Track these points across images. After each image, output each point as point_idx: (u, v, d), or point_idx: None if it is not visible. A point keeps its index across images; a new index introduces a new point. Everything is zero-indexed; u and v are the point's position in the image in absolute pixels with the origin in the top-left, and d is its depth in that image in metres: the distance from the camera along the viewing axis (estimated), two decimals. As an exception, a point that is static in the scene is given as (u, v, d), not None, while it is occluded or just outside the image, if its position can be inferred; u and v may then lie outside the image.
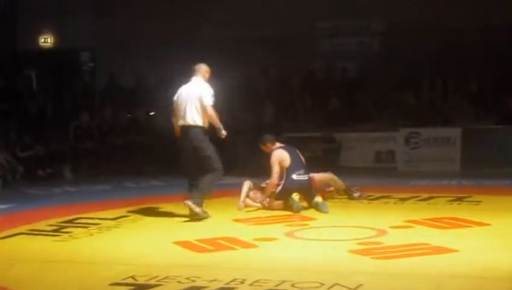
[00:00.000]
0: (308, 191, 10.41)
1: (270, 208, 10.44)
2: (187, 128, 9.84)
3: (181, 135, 9.96)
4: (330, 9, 18.84)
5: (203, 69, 10.18)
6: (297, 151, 10.74)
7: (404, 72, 18.02)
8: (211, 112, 9.81)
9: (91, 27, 20.69)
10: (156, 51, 20.14)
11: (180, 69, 19.38)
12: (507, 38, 17.51)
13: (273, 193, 10.48)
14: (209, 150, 9.81)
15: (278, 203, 10.42)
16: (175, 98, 10.10)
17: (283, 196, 10.37)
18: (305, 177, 10.45)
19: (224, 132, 9.89)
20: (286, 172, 10.40)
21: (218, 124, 9.88)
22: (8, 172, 15.30)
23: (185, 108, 9.85)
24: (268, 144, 10.76)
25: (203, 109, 9.78)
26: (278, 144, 10.77)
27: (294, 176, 10.38)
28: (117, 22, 20.29)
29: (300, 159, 10.62)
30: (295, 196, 10.24)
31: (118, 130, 17.50)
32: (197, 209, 9.66)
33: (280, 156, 10.50)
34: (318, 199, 10.30)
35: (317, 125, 16.65)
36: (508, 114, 16.19)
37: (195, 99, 9.82)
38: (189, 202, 9.68)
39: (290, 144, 10.97)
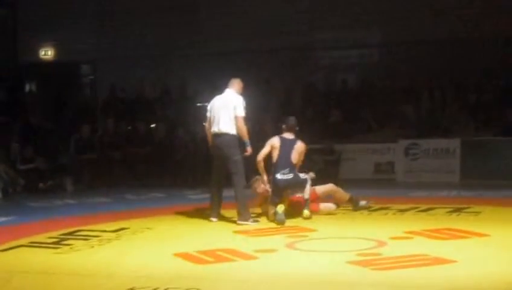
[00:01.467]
0: (296, 187, 10.62)
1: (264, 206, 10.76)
2: (219, 136, 10.27)
3: (213, 142, 10.39)
4: (330, 21, 18.93)
5: (237, 83, 10.54)
6: (295, 147, 10.74)
7: (404, 83, 18.09)
8: (241, 123, 10.22)
9: (91, 40, 20.81)
10: (157, 63, 20.24)
11: (181, 80, 19.56)
12: (505, 50, 17.58)
13: (265, 197, 10.75)
14: (237, 157, 10.18)
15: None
16: (209, 107, 10.54)
17: (275, 193, 10.55)
18: (289, 175, 10.56)
19: (249, 149, 10.26)
20: (273, 170, 10.64)
21: (245, 137, 10.28)
22: (8, 184, 15.34)
23: (219, 116, 10.27)
24: (284, 126, 10.90)
25: (235, 118, 10.19)
26: (286, 134, 10.84)
27: (278, 175, 10.52)
28: (117, 35, 20.38)
29: (289, 158, 10.64)
30: (279, 208, 10.22)
31: (119, 142, 17.54)
32: (251, 222, 10.16)
33: (273, 143, 10.73)
34: (306, 212, 10.48)
35: (318, 137, 16.69)
36: (507, 126, 16.26)
37: (229, 108, 10.22)
38: (240, 222, 10.14)
39: (292, 140, 10.87)
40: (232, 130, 10.20)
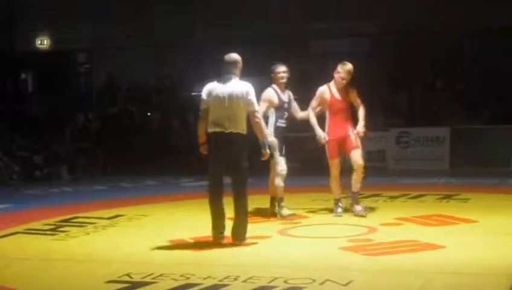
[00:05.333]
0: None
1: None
2: (226, 136, 8.01)
3: (215, 143, 8.07)
4: (322, 11, 18.98)
5: (239, 68, 8.33)
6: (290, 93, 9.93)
7: (396, 72, 18.18)
8: (259, 120, 8.30)
9: (88, 29, 20.79)
10: (153, 52, 20.28)
11: (178, 69, 19.60)
12: (494, 40, 17.66)
13: None
14: (247, 164, 8.14)
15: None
16: (205, 95, 8.20)
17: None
18: (284, 124, 9.72)
19: (268, 151, 8.46)
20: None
21: (266, 136, 8.48)
22: (4, 172, 15.42)
23: (225, 110, 8.05)
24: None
25: (250, 114, 8.18)
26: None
27: (278, 123, 9.70)
28: (114, 24, 20.39)
29: (288, 102, 9.84)
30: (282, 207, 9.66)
31: (115, 131, 17.63)
32: (246, 240, 8.20)
33: (269, 96, 9.66)
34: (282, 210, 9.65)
35: (310, 126, 16.71)
36: (495, 114, 16.43)
37: (240, 101, 8.08)
38: (238, 242, 8.14)
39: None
40: (243, 128, 8.09)
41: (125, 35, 20.13)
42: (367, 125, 9.74)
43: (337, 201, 9.84)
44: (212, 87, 8.20)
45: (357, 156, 9.63)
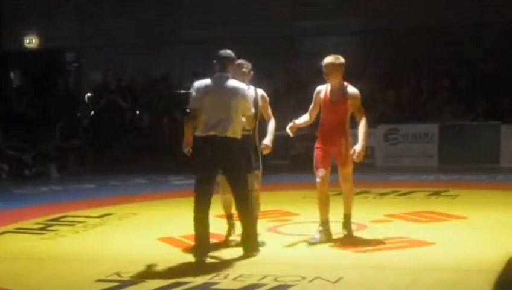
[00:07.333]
0: None
1: None
2: (220, 140, 7.34)
3: (210, 147, 7.36)
4: (310, 9, 19.00)
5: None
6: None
7: (384, 70, 18.22)
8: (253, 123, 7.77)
9: (76, 28, 20.76)
10: (141, 50, 20.26)
11: (166, 68, 19.60)
12: (484, 37, 17.73)
13: None
14: (245, 171, 7.58)
15: None
16: (195, 92, 7.45)
17: None
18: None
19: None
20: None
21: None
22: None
23: (219, 112, 7.35)
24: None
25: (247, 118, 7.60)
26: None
27: None
28: (102, 23, 20.37)
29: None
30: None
31: (105, 130, 17.61)
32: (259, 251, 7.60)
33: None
34: None
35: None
36: (483, 111, 16.50)
37: (237, 103, 7.40)
38: (253, 253, 7.47)
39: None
40: (239, 131, 7.45)
41: (113, 34, 20.10)
42: (365, 148, 7.89)
43: (322, 223, 8.06)
44: (205, 85, 7.43)
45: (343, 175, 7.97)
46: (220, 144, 7.30)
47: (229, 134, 7.32)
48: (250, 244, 7.46)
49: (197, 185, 7.41)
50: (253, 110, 7.58)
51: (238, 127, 7.40)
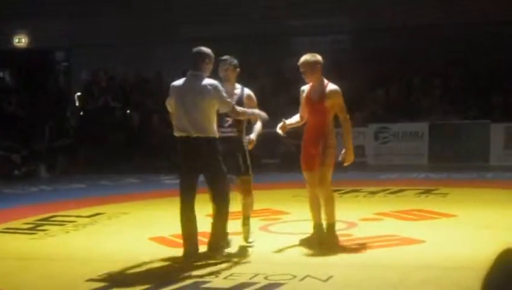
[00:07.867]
0: None
1: None
2: (195, 141, 7.22)
3: (182, 149, 7.33)
4: (303, 8, 19.01)
5: (206, 63, 7.45)
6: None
7: (376, 69, 18.24)
8: (240, 109, 7.49)
9: (65, 27, 20.72)
10: (132, 49, 20.22)
11: (157, 67, 19.58)
12: (474, 36, 17.77)
13: None
14: (223, 168, 7.36)
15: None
16: (171, 96, 7.47)
17: None
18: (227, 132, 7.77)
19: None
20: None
21: (261, 115, 7.73)
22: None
23: (191, 111, 7.23)
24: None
25: (215, 112, 7.32)
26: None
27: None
28: (92, 21, 20.33)
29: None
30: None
31: (95, 129, 17.57)
32: (224, 253, 7.49)
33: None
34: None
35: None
36: (473, 110, 16.55)
37: (206, 99, 7.21)
38: (217, 256, 7.31)
39: None
40: (212, 131, 7.25)
41: (103, 32, 20.07)
42: (350, 151, 7.81)
43: (314, 227, 7.87)
44: (174, 87, 7.40)
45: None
46: (191, 145, 7.20)
47: (200, 134, 7.18)
48: (214, 245, 7.34)
49: (180, 184, 7.44)
50: (230, 104, 7.30)
51: (209, 126, 7.20)
